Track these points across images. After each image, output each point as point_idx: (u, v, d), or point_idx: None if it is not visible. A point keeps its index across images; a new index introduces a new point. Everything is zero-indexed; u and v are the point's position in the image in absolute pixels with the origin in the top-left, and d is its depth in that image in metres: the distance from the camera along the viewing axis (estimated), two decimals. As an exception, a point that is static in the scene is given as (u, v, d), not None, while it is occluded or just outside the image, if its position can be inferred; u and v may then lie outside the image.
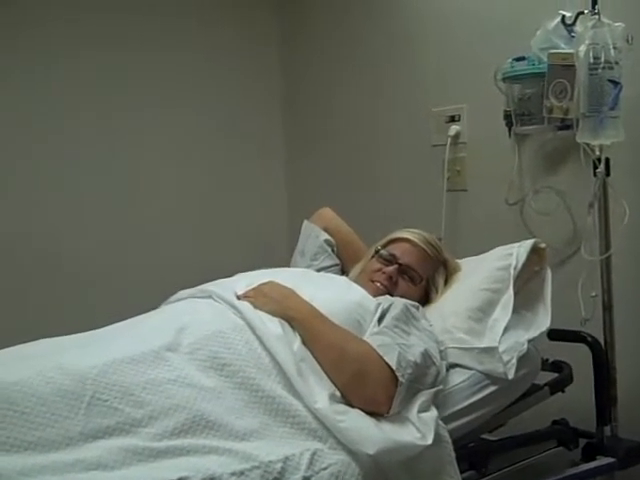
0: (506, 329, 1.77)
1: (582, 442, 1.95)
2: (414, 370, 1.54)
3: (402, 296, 1.84)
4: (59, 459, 1.28)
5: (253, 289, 1.70)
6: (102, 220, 2.84)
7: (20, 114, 2.70)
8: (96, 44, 2.80)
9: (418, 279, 1.90)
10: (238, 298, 1.67)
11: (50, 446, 1.31)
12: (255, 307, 1.63)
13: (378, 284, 1.87)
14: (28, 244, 2.69)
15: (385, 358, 1.53)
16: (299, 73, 3.24)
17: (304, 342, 1.57)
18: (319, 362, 1.55)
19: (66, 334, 1.64)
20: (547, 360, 2.00)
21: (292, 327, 1.60)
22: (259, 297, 1.66)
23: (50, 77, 2.74)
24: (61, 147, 2.77)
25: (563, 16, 2.05)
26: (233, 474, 1.32)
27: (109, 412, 1.37)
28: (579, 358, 1.99)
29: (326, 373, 1.53)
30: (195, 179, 3.05)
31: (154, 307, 1.78)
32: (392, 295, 1.84)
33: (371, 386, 1.51)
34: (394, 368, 1.51)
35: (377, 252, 1.94)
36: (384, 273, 1.88)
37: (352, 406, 1.50)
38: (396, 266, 1.89)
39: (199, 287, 1.80)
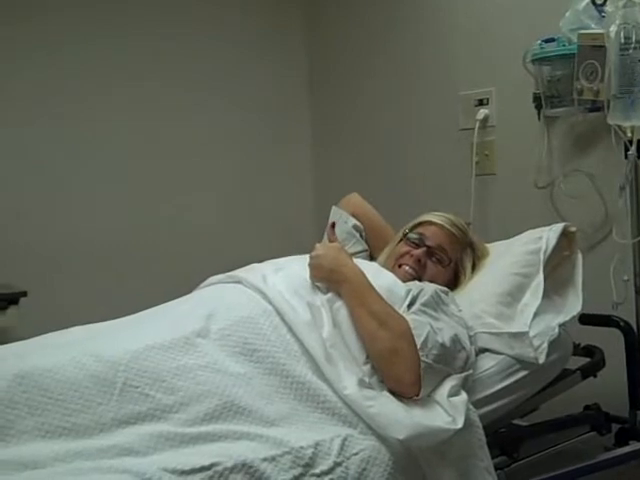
0: (536, 314, 1.76)
1: (615, 427, 1.94)
2: (440, 351, 1.54)
3: (431, 279, 1.84)
4: (92, 445, 1.30)
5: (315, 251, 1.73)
6: (135, 209, 2.88)
7: (34, 106, 2.72)
8: (111, 32, 2.82)
9: (447, 260, 1.89)
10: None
11: (83, 432, 1.33)
12: (312, 266, 1.68)
13: (407, 267, 1.86)
14: (69, 233, 2.76)
15: (414, 336, 1.53)
16: (326, 57, 3.23)
17: (334, 326, 1.58)
18: (358, 330, 1.57)
19: (99, 321, 1.66)
20: (579, 345, 1.98)
21: (322, 311, 1.60)
22: (313, 259, 1.70)
23: (71, 65, 2.77)
24: (96, 137, 2.81)
25: (593, -4, 2.02)
26: (265, 460, 1.33)
27: (141, 398, 1.39)
28: (611, 342, 1.97)
29: (364, 343, 1.55)
30: (223, 167, 3.07)
31: (184, 294, 1.79)
32: (421, 280, 1.84)
33: (403, 363, 1.51)
34: (418, 347, 1.51)
35: (405, 235, 1.94)
36: (412, 256, 1.88)
37: (381, 391, 1.50)
38: (424, 248, 1.88)
39: (228, 273, 1.80)
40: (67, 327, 1.63)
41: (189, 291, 1.83)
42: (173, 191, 2.95)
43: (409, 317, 1.59)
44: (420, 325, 1.56)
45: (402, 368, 1.51)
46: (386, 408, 1.46)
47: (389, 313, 1.59)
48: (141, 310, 1.71)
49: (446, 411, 1.48)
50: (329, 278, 1.67)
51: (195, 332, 1.52)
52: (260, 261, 1.88)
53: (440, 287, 1.77)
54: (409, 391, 1.51)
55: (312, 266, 1.70)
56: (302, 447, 1.37)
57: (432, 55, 2.77)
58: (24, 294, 2.38)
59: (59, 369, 1.39)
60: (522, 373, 1.71)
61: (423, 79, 2.81)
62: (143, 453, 1.31)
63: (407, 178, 2.88)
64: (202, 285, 1.84)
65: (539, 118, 2.28)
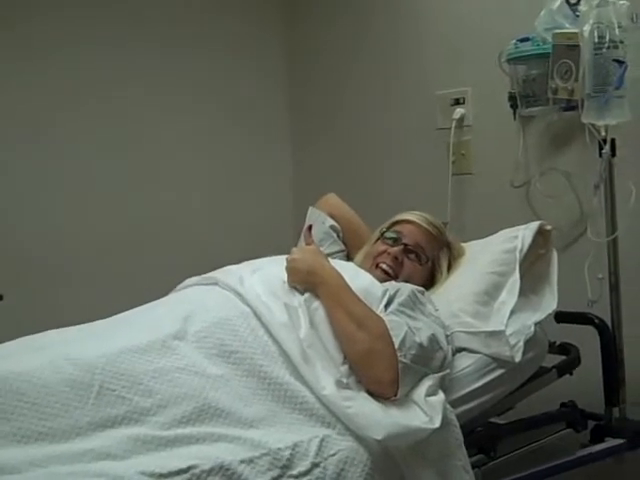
0: (512, 312, 1.77)
1: (591, 424, 1.96)
2: (418, 352, 1.54)
3: (408, 277, 1.85)
4: (69, 449, 1.29)
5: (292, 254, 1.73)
6: (109, 211, 2.84)
7: (24, 109, 2.69)
8: (97, 40, 2.80)
9: (424, 258, 1.90)
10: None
11: (60, 436, 1.31)
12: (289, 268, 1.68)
13: (384, 266, 1.87)
14: (40, 237, 2.71)
15: (392, 337, 1.53)
16: (304, 58, 3.22)
17: (311, 327, 1.58)
18: (336, 332, 1.57)
19: (73, 324, 1.65)
20: (554, 343, 2.00)
21: (299, 312, 1.60)
22: (290, 263, 1.70)
23: (51, 75, 2.73)
24: (63, 142, 2.76)
25: (567, -5, 2.03)
26: (242, 462, 1.33)
27: (118, 401, 1.38)
28: (586, 340, 1.99)
29: (341, 344, 1.55)
30: (201, 168, 3.05)
31: (161, 296, 1.78)
32: (397, 279, 1.85)
33: (381, 364, 1.51)
34: (396, 347, 1.51)
35: (382, 234, 1.94)
36: (389, 254, 1.88)
37: (359, 392, 1.50)
38: (401, 246, 1.89)
39: (205, 275, 1.80)
40: (43, 331, 1.62)
41: (166, 293, 1.82)
42: (150, 192, 2.93)
43: (386, 318, 1.59)
44: (397, 325, 1.56)
45: (381, 368, 1.51)
46: (364, 408, 1.46)
47: (367, 314, 1.59)
48: (118, 313, 1.70)
49: (423, 411, 1.48)
50: (306, 281, 1.67)
51: (172, 334, 1.51)
52: (238, 262, 1.88)
53: (417, 287, 1.77)
54: (387, 391, 1.51)
55: (289, 270, 1.69)
56: (280, 448, 1.37)
57: (409, 55, 2.78)
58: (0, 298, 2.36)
59: (35, 373, 1.37)
60: (499, 372, 1.72)
61: (400, 79, 2.81)
62: (120, 457, 1.30)
63: (385, 178, 2.89)
64: (179, 287, 1.84)
65: (515, 117, 2.29)
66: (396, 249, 1.89)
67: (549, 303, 1.85)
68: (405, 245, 1.89)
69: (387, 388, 1.51)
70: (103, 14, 2.81)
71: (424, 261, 1.91)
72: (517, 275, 1.82)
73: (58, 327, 1.64)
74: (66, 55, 2.74)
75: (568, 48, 1.95)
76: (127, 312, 1.70)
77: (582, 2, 1.98)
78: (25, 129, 2.70)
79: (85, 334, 1.59)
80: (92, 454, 1.29)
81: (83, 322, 1.67)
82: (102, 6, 2.81)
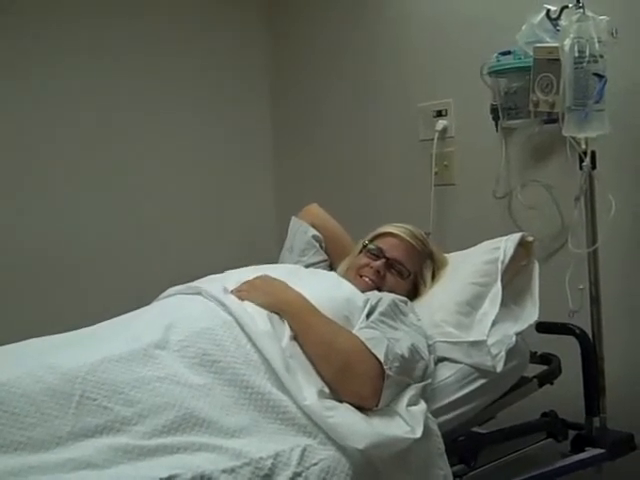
0: (494, 322, 1.78)
1: (571, 434, 1.96)
2: (401, 363, 1.54)
3: (391, 290, 1.85)
4: (49, 459, 1.28)
5: (246, 283, 1.71)
6: (89, 221, 2.83)
7: (19, 115, 2.70)
8: (90, 49, 2.82)
9: (406, 273, 1.91)
10: (231, 293, 1.68)
11: (40, 446, 1.31)
12: (248, 300, 1.64)
13: (367, 279, 1.88)
14: (21, 244, 2.69)
15: (374, 351, 1.53)
16: (286, 70, 3.23)
17: (293, 337, 1.58)
18: (309, 355, 1.56)
19: (56, 332, 1.64)
20: (535, 353, 2.01)
21: (282, 322, 1.60)
22: (251, 291, 1.68)
23: (47, 81, 2.74)
24: (56, 150, 2.76)
25: (548, 10, 2.05)
26: (224, 471, 1.32)
27: (98, 411, 1.37)
28: (567, 350, 2.00)
29: (315, 366, 1.54)
30: (183, 178, 3.05)
31: (143, 305, 1.78)
32: (380, 290, 1.85)
33: (358, 379, 1.52)
34: (382, 361, 1.52)
35: (364, 247, 1.95)
36: (372, 268, 1.89)
37: (341, 401, 1.50)
38: (383, 260, 1.90)
39: (188, 284, 1.80)
40: (23, 339, 1.61)
41: (148, 302, 1.81)
42: (130, 204, 2.92)
43: (365, 333, 1.59)
44: (378, 342, 1.56)
45: (357, 384, 1.52)
46: (346, 418, 1.45)
47: (336, 332, 1.59)
48: (99, 322, 1.69)
49: (405, 421, 1.49)
50: (271, 308, 1.64)
51: (154, 343, 1.50)
52: (221, 270, 1.88)
53: (399, 297, 1.78)
54: (368, 404, 1.51)
55: (250, 297, 1.66)
56: (262, 458, 1.36)
57: (391, 68, 2.79)
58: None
59: (14, 382, 1.36)
60: (480, 381, 1.73)
61: (383, 91, 2.83)
62: (101, 466, 1.29)
63: (368, 188, 2.90)
64: (161, 296, 1.83)
65: (497, 129, 2.31)
66: (378, 263, 1.89)
67: (530, 313, 1.87)
68: (387, 259, 1.90)
69: (367, 401, 1.51)
70: (90, 22, 2.82)
71: (406, 275, 1.91)
72: (499, 286, 1.83)
73: (37, 335, 1.62)
74: (51, 57, 2.74)
75: (549, 62, 1.97)
76: (108, 321, 1.69)
77: (563, 17, 2.00)
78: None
79: (67, 343, 1.57)
80: (72, 464, 1.28)
81: (63, 331, 1.66)
82: (88, 13, 2.82)
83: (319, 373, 1.54)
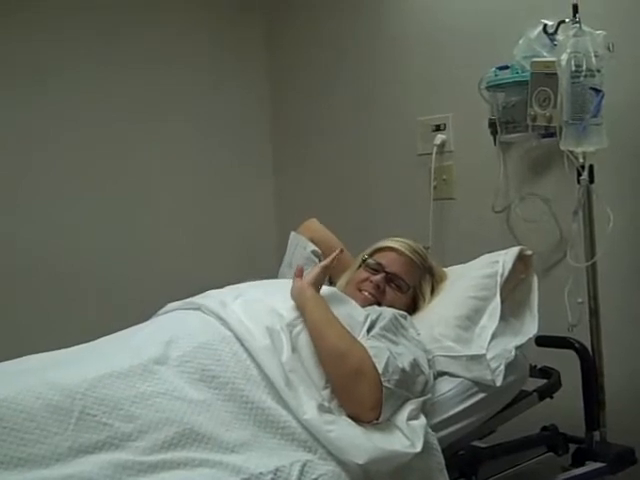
0: (494, 336, 1.78)
1: (572, 448, 1.96)
2: (401, 377, 1.54)
3: (390, 305, 1.85)
4: (49, 475, 1.28)
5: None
6: (89, 231, 2.83)
7: (19, 122, 2.70)
8: (95, 56, 2.83)
9: (405, 287, 1.91)
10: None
11: (40, 462, 1.30)
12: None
13: (366, 293, 1.88)
14: (21, 254, 2.68)
15: (374, 360, 1.53)
16: (287, 83, 3.25)
17: (293, 350, 1.58)
18: (324, 350, 1.57)
19: (55, 346, 1.64)
20: (535, 366, 2.01)
21: (281, 336, 1.60)
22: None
23: (47, 89, 2.75)
24: (56, 156, 2.77)
25: (545, 25, 2.07)
26: (224, 487, 1.32)
27: (98, 427, 1.37)
28: (567, 364, 2.00)
29: (325, 366, 1.55)
30: (183, 191, 3.05)
31: (142, 320, 1.78)
32: (380, 304, 1.85)
33: (364, 385, 1.51)
34: (380, 372, 1.52)
35: (364, 261, 1.95)
36: (371, 282, 1.89)
37: (341, 416, 1.50)
38: (383, 275, 1.90)
39: (187, 299, 1.80)
40: (23, 352, 1.61)
41: (148, 317, 1.82)
42: (132, 217, 2.92)
43: (368, 343, 1.60)
44: (379, 351, 1.56)
45: (365, 390, 1.51)
46: (346, 433, 1.45)
47: (353, 338, 1.60)
48: (98, 337, 1.69)
49: (405, 435, 1.49)
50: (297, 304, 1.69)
51: (154, 359, 1.51)
52: (221, 283, 1.88)
53: (399, 311, 1.78)
54: (369, 415, 1.50)
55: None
56: (262, 473, 1.36)
57: (390, 82, 2.81)
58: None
59: (14, 398, 1.36)
60: (480, 395, 1.73)
61: (382, 106, 2.84)
62: (101, 482, 1.29)
63: (367, 202, 2.91)
64: (160, 312, 1.83)
65: (495, 143, 2.31)
66: (378, 277, 1.90)
67: (530, 327, 1.87)
68: (387, 273, 1.90)
69: (369, 412, 1.50)
70: (86, 32, 2.83)
71: (405, 289, 1.92)
72: (498, 299, 1.84)
73: (34, 352, 1.62)
74: (51, 69, 2.75)
75: (546, 76, 1.99)
76: (108, 337, 1.70)
77: (559, 31, 2.02)
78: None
79: (66, 359, 1.57)
80: (72, 480, 1.28)
81: (62, 346, 1.66)
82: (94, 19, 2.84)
83: (319, 386, 1.53)
